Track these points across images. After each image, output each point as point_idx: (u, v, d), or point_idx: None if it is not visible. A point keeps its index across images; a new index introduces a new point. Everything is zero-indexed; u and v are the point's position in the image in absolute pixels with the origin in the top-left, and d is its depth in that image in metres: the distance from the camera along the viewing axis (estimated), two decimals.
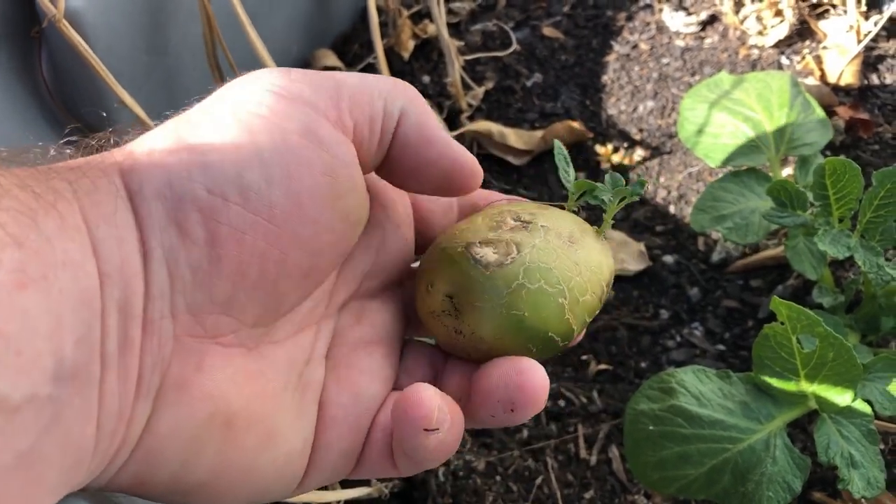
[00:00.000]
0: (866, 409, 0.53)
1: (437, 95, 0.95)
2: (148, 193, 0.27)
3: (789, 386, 0.53)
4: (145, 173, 0.27)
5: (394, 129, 0.31)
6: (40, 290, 0.22)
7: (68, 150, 0.30)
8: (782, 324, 0.51)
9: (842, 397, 0.52)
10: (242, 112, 0.28)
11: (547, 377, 0.31)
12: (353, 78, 0.31)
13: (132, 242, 0.26)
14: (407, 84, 0.32)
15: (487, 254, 0.32)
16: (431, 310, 0.33)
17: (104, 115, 0.62)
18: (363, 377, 0.33)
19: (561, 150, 0.37)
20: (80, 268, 0.24)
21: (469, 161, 0.33)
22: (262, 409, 0.29)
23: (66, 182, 0.25)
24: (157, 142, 0.28)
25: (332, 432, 0.31)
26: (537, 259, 0.31)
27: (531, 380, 0.30)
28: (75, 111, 0.63)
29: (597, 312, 0.33)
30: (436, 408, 0.29)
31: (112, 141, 0.31)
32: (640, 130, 0.91)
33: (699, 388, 0.54)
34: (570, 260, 0.32)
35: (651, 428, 0.54)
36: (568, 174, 0.37)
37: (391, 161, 0.32)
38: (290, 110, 0.28)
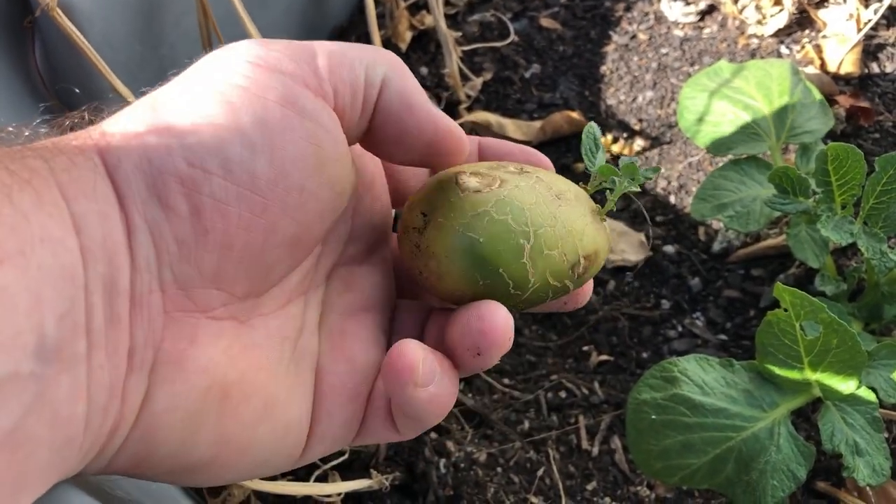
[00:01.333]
0: (871, 396, 0.52)
1: (434, 87, 0.95)
2: (127, 168, 0.26)
3: (793, 373, 0.53)
4: (123, 149, 0.26)
5: (376, 97, 0.31)
6: (18, 267, 0.22)
7: (43, 130, 0.30)
8: (786, 310, 0.50)
9: (846, 385, 0.52)
10: (221, 83, 0.27)
11: (510, 317, 0.30)
12: (333, 46, 0.30)
13: (114, 217, 0.25)
14: (389, 52, 0.32)
15: (471, 181, 0.32)
16: (405, 226, 0.33)
17: (97, 104, 0.62)
18: (357, 344, 0.33)
19: (592, 133, 0.37)
20: (60, 243, 0.23)
21: (453, 129, 0.32)
22: (257, 381, 0.29)
23: (41, 160, 0.25)
24: (134, 117, 0.27)
25: (331, 402, 0.31)
26: (514, 196, 0.31)
27: (492, 322, 0.30)
28: (69, 101, 0.63)
29: (570, 283, 0.33)
30: (420, 359, 0.29)
31: (87, 119, 0.31)
32: (640, 120, 0.91)
33: (702, 377, 0.54)
34: (548, 210, 0.32)
35: (654, 417, 0.53)
36: (594, 159, 0.36)
37: (374, 130, 0.32)
38: (270, 80, 0.28)
